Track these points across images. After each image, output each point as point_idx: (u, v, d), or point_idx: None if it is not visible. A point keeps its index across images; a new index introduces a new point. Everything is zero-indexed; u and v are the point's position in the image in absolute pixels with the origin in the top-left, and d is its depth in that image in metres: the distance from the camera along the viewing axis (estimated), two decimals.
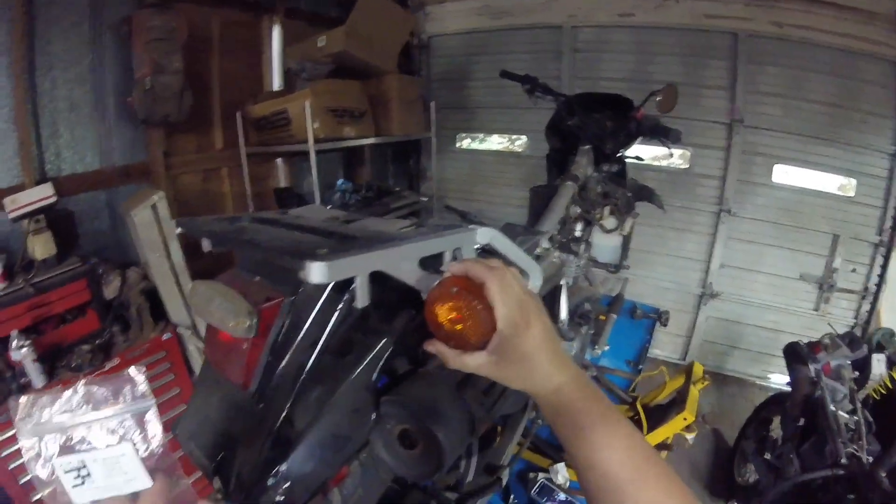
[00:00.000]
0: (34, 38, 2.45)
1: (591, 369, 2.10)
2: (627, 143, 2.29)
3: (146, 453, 0.41)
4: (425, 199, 4.15)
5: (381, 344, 0.88)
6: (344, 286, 0.82)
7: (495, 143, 4.31)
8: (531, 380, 0.71)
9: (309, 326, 0.83)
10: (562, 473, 2.06)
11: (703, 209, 3.59)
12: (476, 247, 0.97)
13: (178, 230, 0.94)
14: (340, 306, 0.82)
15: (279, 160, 3.68)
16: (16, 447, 1.99)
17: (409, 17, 3.65)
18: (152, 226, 2.37)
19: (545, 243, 1.93)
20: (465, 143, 4.43)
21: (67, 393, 0.42)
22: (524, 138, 4.10)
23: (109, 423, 0.41)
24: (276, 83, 3.56)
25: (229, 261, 1.04)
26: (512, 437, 1.91)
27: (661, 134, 2.14)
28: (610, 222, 2.38)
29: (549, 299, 1.95)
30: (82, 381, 0.42)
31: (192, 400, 1.02)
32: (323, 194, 3.73)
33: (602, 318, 2.60)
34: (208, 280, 0.92)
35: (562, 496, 1.98)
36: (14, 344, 2.04)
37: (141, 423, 0.41)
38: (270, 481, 0.79)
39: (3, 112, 2.40)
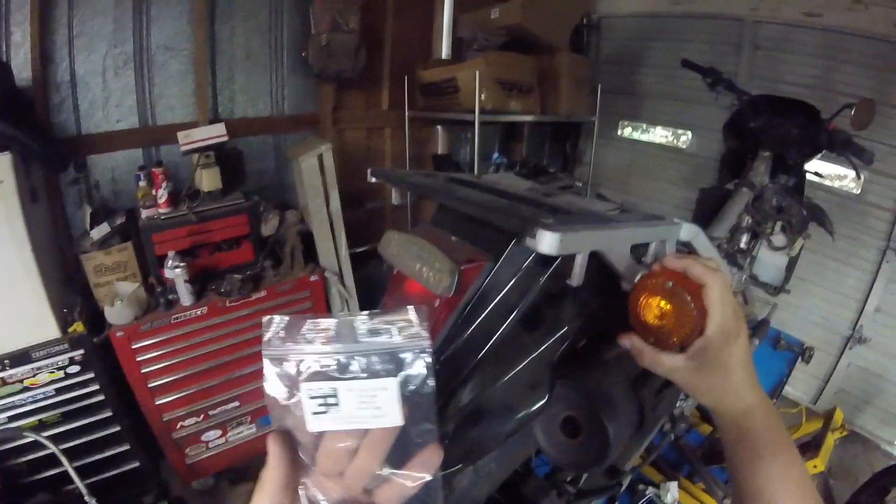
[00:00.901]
0: None
1: None
2: (811, 156, 2.10)
3: (407, 392, 0.39)
4: (580, 183, 4.00)
5: (573, 325, 0.84)
6: (548, 260, 0.78)
7: (658, 135, 4.06)
8: (723, 395, 0.69)
9: (506, 294, 0.80)
10: (672, 493, 1.94)
11: (868, 243, 3.16)
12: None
13: (372, 179, 0.95)
14: (543, 280, 0.79)
15: (439, 127, 3.72)
16: (153, 354, 2.26)
17: None
18: (317, 173, 2.52)
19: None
20: (627, 131, 4.22)
21: (330, 321, 0.40)
22: (689, 134, 3.82)
23: (376, 357, 0.39)
24: (445, 51, 3.57)
25: (384, 217, 1.06)
26: (640, 445, 1.82)
27: (853, 152, 1.92)
28: (779, 239, 2.19)
29: None
30: (363, 315, 0.41)
31: None
32: (478, 165, 3.80)
33: None
34: (405, 232, 0.93)
35: None
36: (169, 263, 2.25)
37: (410, 363, 0.39)
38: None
39: (184, 55, 2.64)
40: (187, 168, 2.56)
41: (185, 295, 2.30)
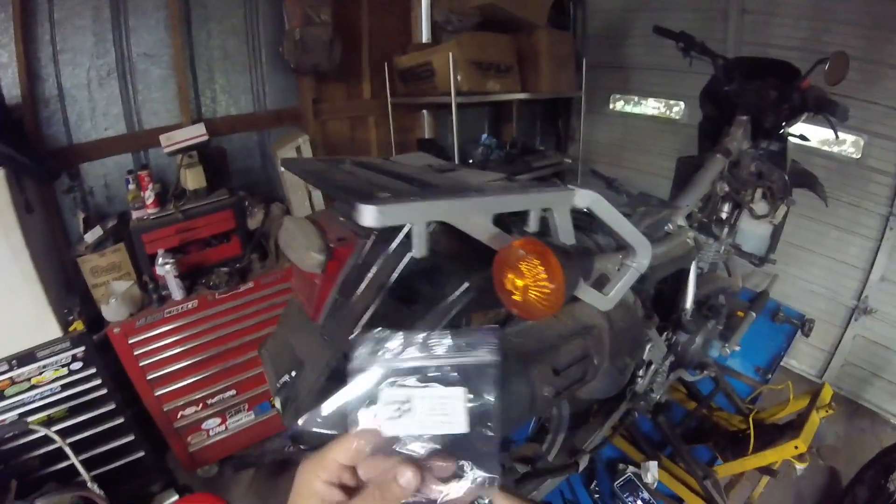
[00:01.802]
0: None
1: (710, 368, 1.89)
2: (791, 118, 2.02)
3: (471, 403, 0.44)
4: (569, 161, 3.99)
5: (450, 301, 0.85)
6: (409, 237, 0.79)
7: (650, 107, 3.98)
8: None
9: (377, 270, 0.82)
10: (652, 473, 1.92)
11: (871, 210, 3.02)
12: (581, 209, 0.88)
13: (282, 170, 0.98)
14: (408, 256, 0.80)
15: (425, 112, 3.74)
16: (149, 348, 2.35)
17: None
18: None
19: (680, 220, 1.75)
20: (619, 105, 4.15)
21: (417, 337, 0.45)
22: (682, 105, 3.73)
23: (448, 369, 0.44)
24: (425, 35, 3.59)
25: None
26: (602, 424, 1.81)
27: (825, 108, 1.84)
28: (761, 207, 2.13)
29: (672, 283, 1.78)
30: (437, 334, 0.45)
31: (279, 324, 1.10)
32: (466, 148, 3.79)
33: (740, 314, 2.34)
34: (298, 217, 0.96)
35: (645, 495, 1.85)
36: (160, 261, 2.35)
37: (476, 376, 0.44)
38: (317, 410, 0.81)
39: (164, 60, 2.73)
40: (174, 169, 2.66)
41: (175, 290, 2.41)
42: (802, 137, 2.18)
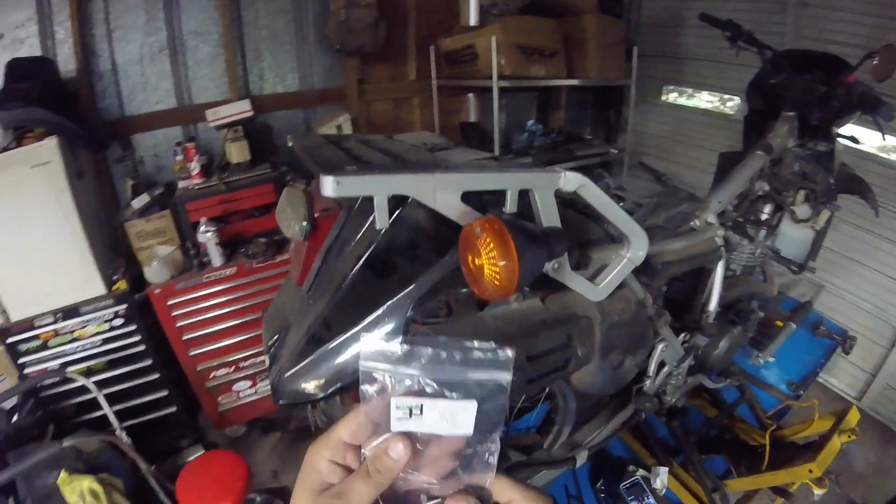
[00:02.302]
0: None
1: (734, 376, 1.81)
2: (840, 117, 1.88)
3: (482, 412, 0.45)
4: (615, 151, 3.89)
5: (425, 276, 0.85)
6: (395, 210, 0.80)
7: (704, 100, 3.83)
8: None
9: (356, 242, 0.84)
10: (661, 479, 1.86)
11: None
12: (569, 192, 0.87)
13: (290, 143, 1.02)
14: (385, 229, 0.81)
15: (471, 95, 3.74)
16: (187, 310, 2.49)
17: None
18: None
19: (710, 217, 1.67)
20: (672, 96, 4.01)
21: (432, 351, 0.45)
22: (736, 100, 3.55)
23: (463, 381, 0.45)
24: (472, 18, 3.57)
25: None
26: (604, 421, 1.77)
27: (869, 105, 1.72)
28: (803, 210, 2.01)
29: (691, 280, 1.71)
30: (453, 345, 0.46)
31: (280, 288, 1.14)
32: (510, 134, 3.77)
33: (778, 323, 2.22)
34: (293, 188, 0.99)
35: (651, 500, 1.79)
36: (202, 228, 2.48)
37: (489, 390, 0.45)
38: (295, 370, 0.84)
39: (213, 38, 2.86)
40: (219, 143, 2.80)
41: (216, 257, 2.54)
42: (853, 139, 2.04)
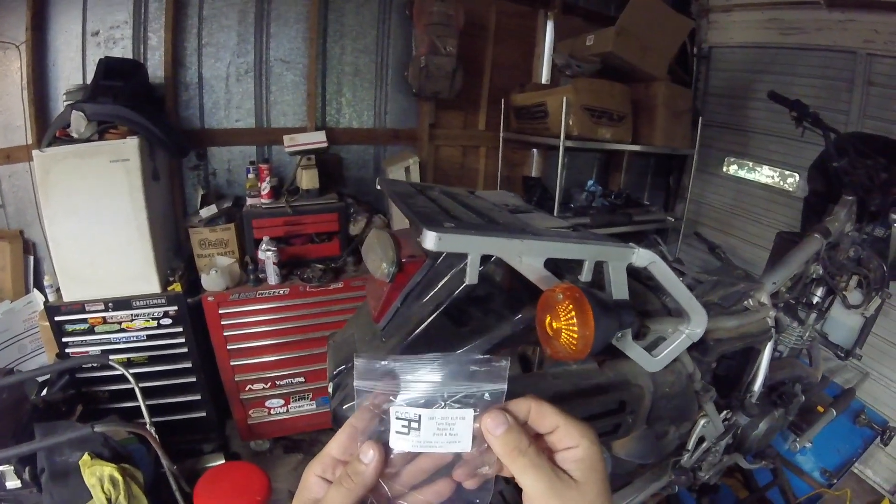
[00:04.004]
0: (328, 9, 3.01)
1: (770, 459, 1.77)
2: None
3: (477, 424, 0.45)
4: (672, 219, 3.88)
5: (496, 329, 0.91)
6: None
7: (765, 175, 3.77)
8: None
9: (437, 290, 0.90)
10: None
11: None
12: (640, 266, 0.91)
13: (378, 186, 1.11)
14: (456, 279, 0.88)
15: (535, 150, 3.82)
16: (236, 321, 2.58)
17: (685, 23, 3.40)
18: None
19: (764, 297, 1.68)
20: (733, 168, 3.98)
21: (431, 364, 0.45)
22: (797, 177, 3.51)
23: (460, 392, 0.45)
24: (545, 76, 3.70)
25: None
26: (637, 490, 1.74)
27: None
28: (854, 296, 1.98)
29: (740, 359, 1.71)
30: (450, 358, 0.46)
31: (350, 320, 1.21)
32: (570, 192, 3.84)
33: (820, 409, 2.17)
34: (382, 230, 1.07)
35: None
36: (263, 246, 2.58)
37: (486, 400, 0.46)
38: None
39: (298, 68, 3.03)
40: (292, 167, 2.93)
41: (272, 275, 2.63)
42: None
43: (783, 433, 2.06)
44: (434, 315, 0.89)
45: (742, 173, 3.90)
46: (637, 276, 1.14)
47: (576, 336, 0.73)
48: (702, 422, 1.50)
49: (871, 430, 2.42)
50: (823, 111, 2.12)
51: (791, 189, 3.55)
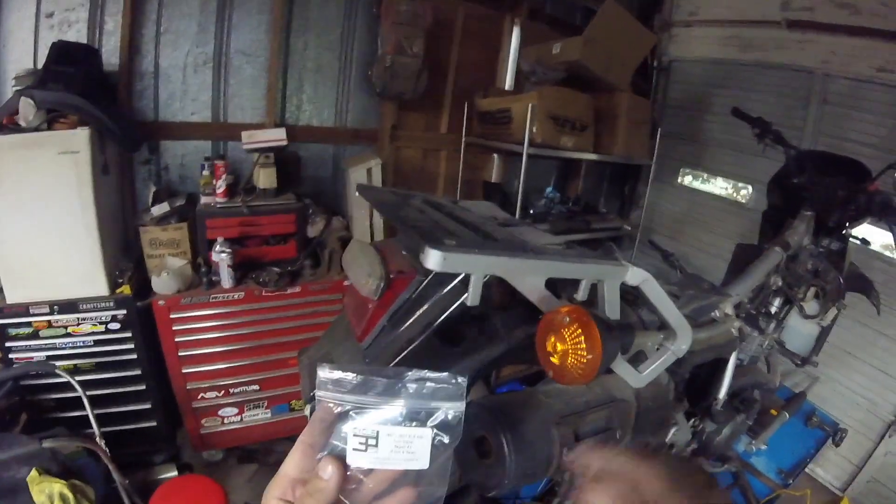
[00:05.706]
0: (294, 2, 2.91)
1: (733, 462, 1.83)
2: (856, 220, 1.97)
3: (436, 442, 0.45)
4: (629, 227, 3.95)
5: (490, 348, 0.87)
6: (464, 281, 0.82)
7: (718, 186, 3.93)
8: None
9: (428, 308, 0.86)
10: None
11: None
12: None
13: (356, 194, 1.05)
14: (461, 301, 0.84)
15: (496, 155, 3.80)
16: (188, 326, 2.45)
17: (649, 37, 3.47)
18: None
19: (728, 308, 1.72)
20: (687, 179, 4.11)
21: (391, 379, 0.45)
22: (750, 189, 3.67)
23: (417, 409, 0.45)
24: (508, 81, 3.70)
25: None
26: None
27: (888, 215, 1.80)
28: (811, 307, 2.06)
29: (709, 370, 1.75)
30: (408, 375, 0.46)
31: (324, 336, 1.14)
32: (529, 198, 3.81)
33: (773, 412, 2.26)
34: (365, 241, 1.01)
35: None
36: (217, 248, 2.46)
37: (443, 418, 0.46)
38: None
39: (259, 61, 2.91)
40: (249, 165, 2.79)
41: (226, 278, 2.51)
42: (864, 241, 2.13)
43: (739, 437, 2.14)
44: (423, 335, 0.85)
45: (696, 184, 4.03)
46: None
47: (584, 360, 0.71)
48: (672, 430, 1.52)
49: (823, 432, 2.53)
50: (779, 127, 2.19)
51: (744, 201, 3.70)
